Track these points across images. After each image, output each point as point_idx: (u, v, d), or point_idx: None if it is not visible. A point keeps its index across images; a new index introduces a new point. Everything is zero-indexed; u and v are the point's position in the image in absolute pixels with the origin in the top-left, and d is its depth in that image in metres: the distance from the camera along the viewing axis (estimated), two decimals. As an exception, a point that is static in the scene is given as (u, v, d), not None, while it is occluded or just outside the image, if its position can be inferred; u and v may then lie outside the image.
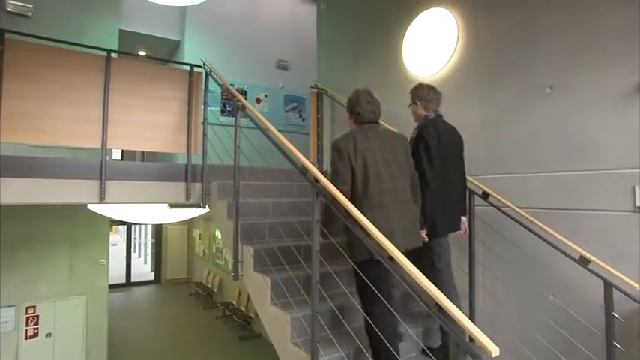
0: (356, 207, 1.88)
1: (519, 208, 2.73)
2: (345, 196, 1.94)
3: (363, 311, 2.11)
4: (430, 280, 1.50)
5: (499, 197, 2.84)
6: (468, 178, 3.02)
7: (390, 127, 2.60)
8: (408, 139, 2.49)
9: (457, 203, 2.66)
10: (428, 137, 2.44)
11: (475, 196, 2.98)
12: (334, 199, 1.93)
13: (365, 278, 1.97)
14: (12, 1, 5.41)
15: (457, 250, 3.15)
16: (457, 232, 2.73)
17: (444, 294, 1.42)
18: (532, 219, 2.62)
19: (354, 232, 1.86)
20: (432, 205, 2.40)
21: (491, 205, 2.91)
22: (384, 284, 2.06)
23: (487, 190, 2.92)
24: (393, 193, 2.14)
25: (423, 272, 1.54)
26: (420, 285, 1.50)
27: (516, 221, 2.73)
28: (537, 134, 2.85)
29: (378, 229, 1.75)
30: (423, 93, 2.62)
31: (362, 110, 2.27)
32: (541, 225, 2.56)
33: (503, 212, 2.84)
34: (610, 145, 2.48)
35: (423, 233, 2.39)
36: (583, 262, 2.33)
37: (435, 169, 2.40)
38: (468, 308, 2.97)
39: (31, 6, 5.58)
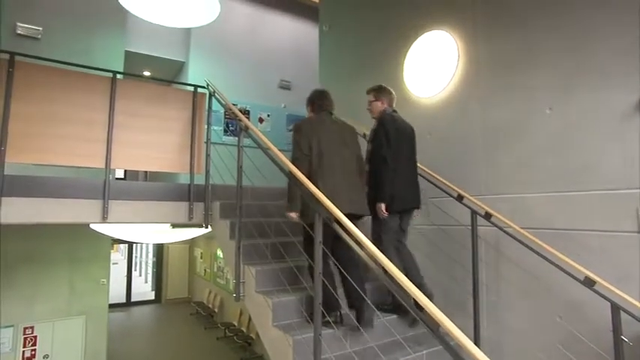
0: (311, 174, 2.42)
1: (522, 228, 2.72)
2: (303, 162, 2.47)
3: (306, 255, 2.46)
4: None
5: (501, 217, 2.83)
6: (470, 197, 3.04)
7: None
8: (370, 130, 3.05)
9: (410, 185, 2.99)
10: (387, 125, 2.89)
11: (478, 216, 2.97)
12: (293, 174, 2.36)
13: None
14: (22, 24, 5.55)
15: (460, 269, 3.13)
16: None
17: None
18: (535, 239, 2.60)
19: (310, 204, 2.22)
20: (390, 182, 2.78)
21: (494, 225, 2.90)
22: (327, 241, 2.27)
23: (489, 210, 2.91)
24: (341, 166, 2.57)
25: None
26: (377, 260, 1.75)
27: (520, 241, 2.71)
28: (539, 154, 2.86)
29: (327, 194, 2.12)
30: (386, 92, 3.11)
31: (319, 102, 2.79)
32: (544, 245, 2.54)
33: (506, 232, 2.83)
34: (612, 166, 2.49)
35: (383, 208, 2.76)
36: (588, 283, 2.30)
37: (392, 150, 2.82)
38: (472, 330, 2.93)
39: (40, 29, 5.72)
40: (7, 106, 2.95)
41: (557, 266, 2.46)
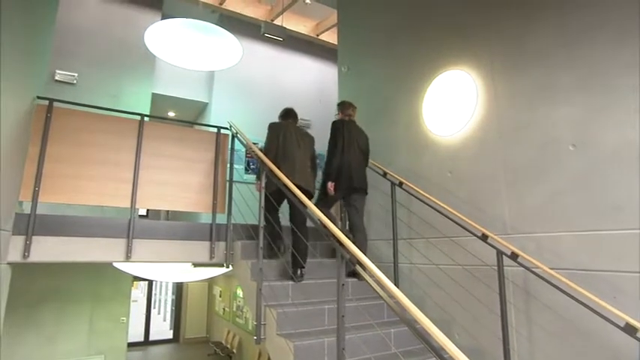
0: (276, 158, 3.32)
1: (551, 269, 2.62)
2: (271, 149, 3.44)
3: (270, 218, 3.33)
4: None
5: (529, 258, 2.74)
6: (495, 237, 2.96)
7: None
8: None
9: (356, 172, 3.74)
10: (336, 126, 3.84)
11: (504, 256, 2.88)
12: (274, 173, 3.09)
13: (274, 203, 3.30)
14: (60, 71, 5.94)
15: (488, 312, 3.00)
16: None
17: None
18: (567, 281, 2.49)
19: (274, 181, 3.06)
20: (336, 169, 3.66)
21: (522, 265, 2.80)
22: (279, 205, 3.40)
23: (515, 250, 2.82)
24: (298, 157, 3.47)
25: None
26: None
27: (550, 283, 2.60)
28: (565, 192, 2.79)
29: (285, 172, 2.98)
30: (344, 106, 4.03)
31: (285, 113, 3.82)
32: (577, 288, 2.43)
33: (534, 273, 2.72)
34: (644, 204, 2.39)
35: (329, 185, 3.63)
36: (630, 330, 2.17)
37: (337, 147, 3.72)
38: (504, 379, 2.77)
39: (76, 74, 6.10)
40: (42, 150, 3.11)
41: (593, 310, 2.34)
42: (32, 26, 3.17)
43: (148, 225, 3.46)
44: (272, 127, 3.63)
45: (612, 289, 2.44)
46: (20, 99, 2.97)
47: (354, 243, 2.08)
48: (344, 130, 3.79)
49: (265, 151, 3.43)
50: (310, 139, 3.76)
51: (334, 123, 3.88)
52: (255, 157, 3.33)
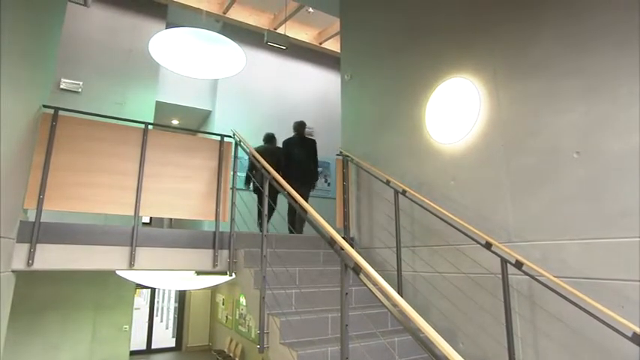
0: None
1: (557, 277, 2.59)
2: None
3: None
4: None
5: (534, 266, 2.71)
6: (499, 245, 2.95)
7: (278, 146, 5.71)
8: None
9: (301, 177, 5.26)
10: (284, 144, 5.51)
11: (508, 264, 2.86)
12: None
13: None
14: (65, 79, 5.99)
15: (492, 320, 2.98)
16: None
17: None
18: (573, 290, 2.47)
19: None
20: (285, 172, 5.17)
21: (526, 274, 2.78)
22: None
23: (520, 258, 2.80)
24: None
25: None
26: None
27: (556, 292, 2.58)
28: (570, 199, 2.78)
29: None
30: (294, 126, 5.63)
31: (266, 139, 5.87)
32: (583, 297, 2.40)
33: (539, 282, 2.70)
34: (649, 212, 2.38)
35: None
36: (638, 340, 2.14)
37: (286, 158, 5.38)
38: (509, 389, 2.73)
39: (80, 83, 6.16)
40: (47, 158, 3.13)
41: (599, 320, 2.31)
42: (39, 36, 3.21)
43: (151, 233, 3.45)
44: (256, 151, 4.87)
45: (620, 298, 2.42)
46: (27, 108, 3.00)
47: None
48: (288, 146, 5.47)
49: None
50: (275, 153, 5.52)
51: (283, 142, 5.57)
52: (260, 168, 3.32)
